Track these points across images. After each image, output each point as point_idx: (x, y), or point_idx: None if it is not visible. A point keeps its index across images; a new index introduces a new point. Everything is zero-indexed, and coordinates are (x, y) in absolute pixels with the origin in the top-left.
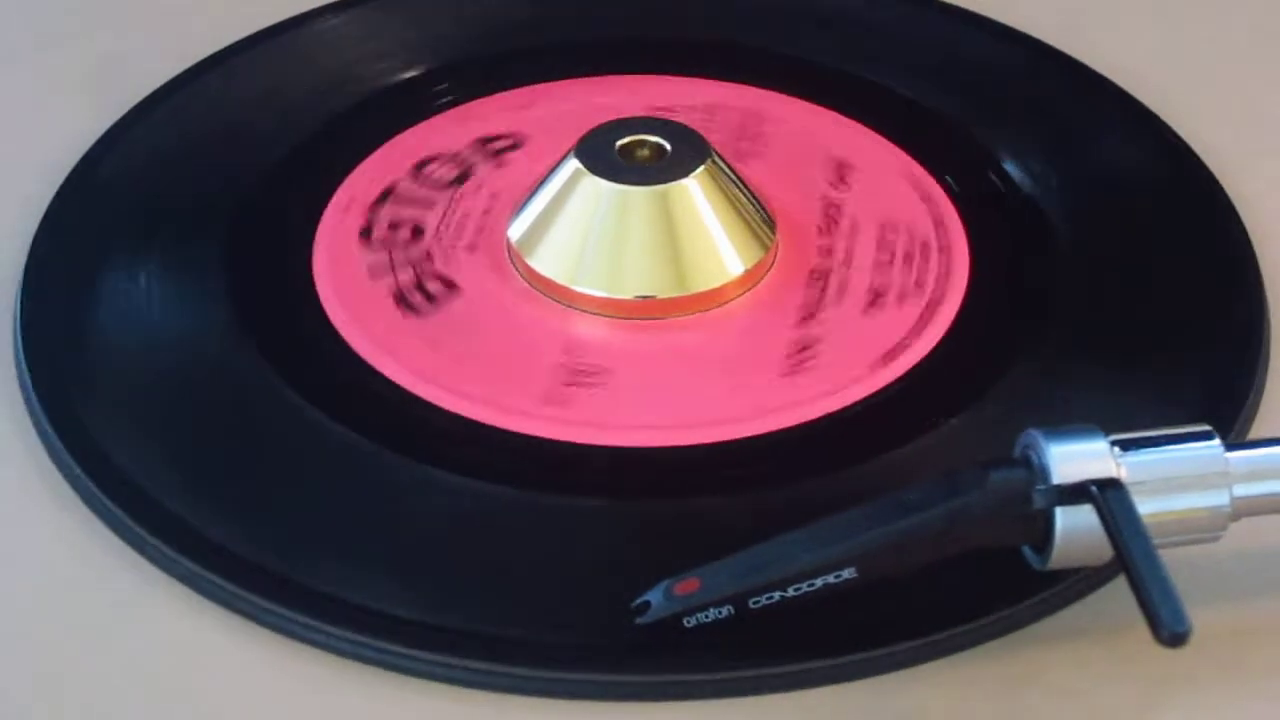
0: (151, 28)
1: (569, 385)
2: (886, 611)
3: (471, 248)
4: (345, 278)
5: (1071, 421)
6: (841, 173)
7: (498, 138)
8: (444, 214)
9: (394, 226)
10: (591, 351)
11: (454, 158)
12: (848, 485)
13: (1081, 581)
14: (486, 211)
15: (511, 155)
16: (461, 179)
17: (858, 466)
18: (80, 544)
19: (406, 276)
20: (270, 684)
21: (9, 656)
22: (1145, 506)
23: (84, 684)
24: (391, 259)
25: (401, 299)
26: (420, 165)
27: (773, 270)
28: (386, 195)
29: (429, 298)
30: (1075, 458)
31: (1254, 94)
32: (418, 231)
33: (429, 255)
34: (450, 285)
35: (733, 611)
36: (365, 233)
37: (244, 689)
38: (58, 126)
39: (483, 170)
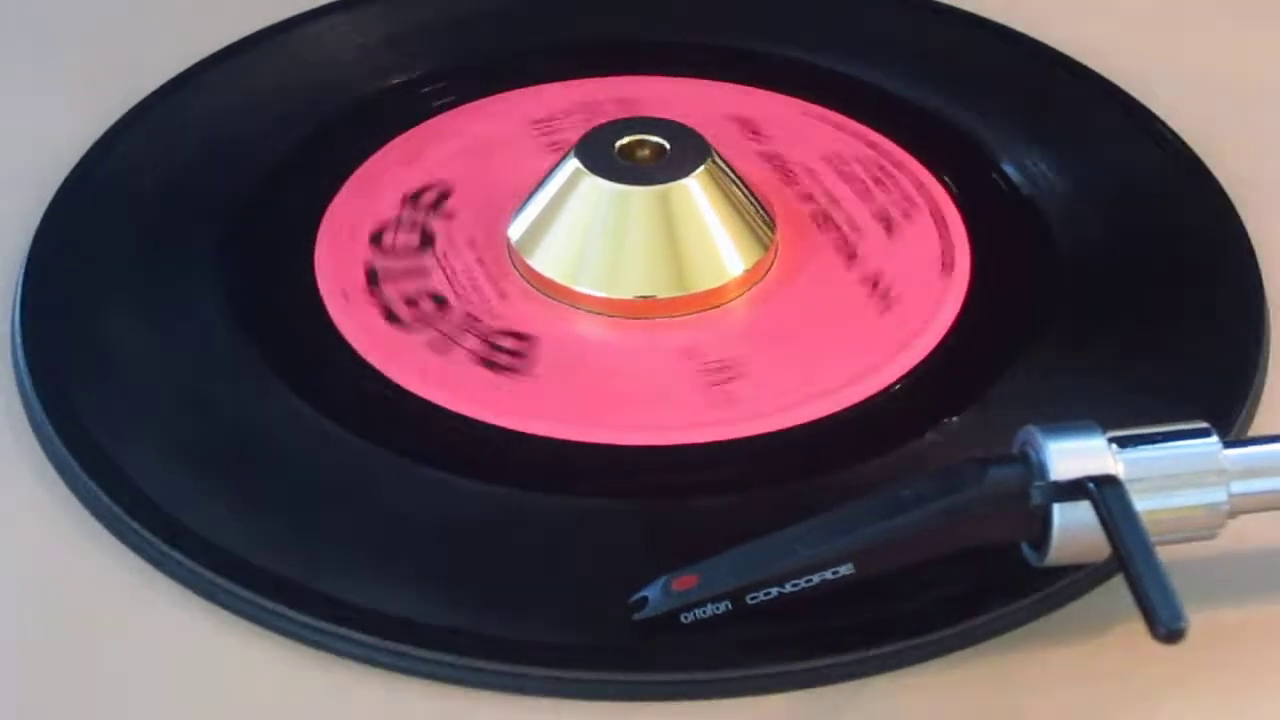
0: (151, 28)
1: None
2: (883, 611)
3: (503, 295)
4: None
5: (1071, 421)
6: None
7: (422, 191)
8: (448, 277)
9: (412, 303)
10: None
11: (399, 223)
12: (848, 484)
13: (1079, 580)
14: (480, 260)
15: (448, 205)
16: (426, 242)
17: (859, 465)
18: (79, 544)
19: (474, 343)
20: (269, 684)
21: (7, 657)
22: (1143, 503)
23: (82, 684)
24: (443, 332)
25: (486, 362)
26: (375, 238)
27: (773, 270)
28: (374, 277)
29: (513, 354)
30: (1073, 454)
31: (1255, 93)
32: (440, 300)
33: (474, 317)
34: (523, 337)
35: (730, 607)
36: (391, 318)
37: (243, 690)
38: (58, 127)
39: (436, 226)
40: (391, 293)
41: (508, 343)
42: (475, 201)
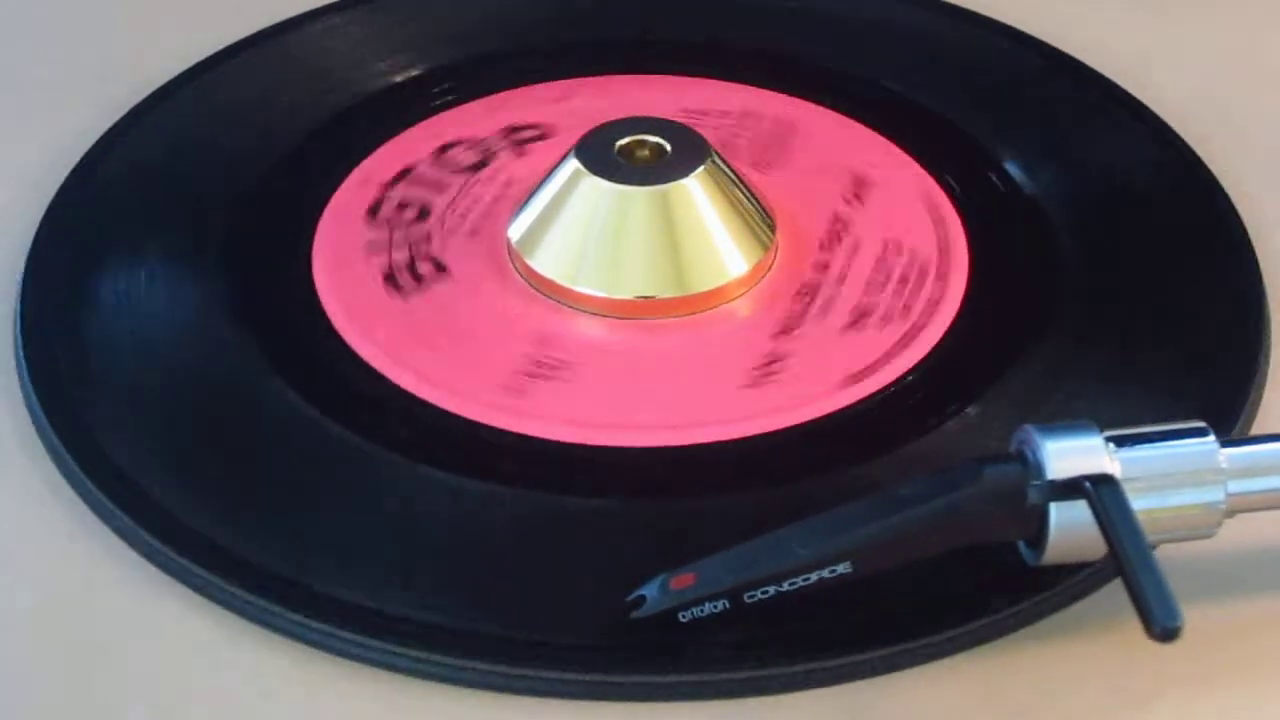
0: (151, 28)
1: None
2: (883, 611)
3: (473, 233)
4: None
5: (1069, 420)
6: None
7: (526, 127)
8: (454, 198)
9: (402, 206)
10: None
11: (479, 144)
12: (847, 485)
13: (1079, 581)
14: (497, 199)
15: (536, 146)
16: (480, 165)
17: (857, 466)
18: (79, 544)
19: (401, 256)
20: (269, 685)
21: (8, 657)
22: (1139, 502)
23: (82, 685)
24: (391, 238)
25: (390, 278)
26: (444, 149)
27: (773, 270)
28: (403, 175)
29: (416, 278)
30: (1070, 453)
31: (1254, 93)
32: (424, 213)
33: (428, 237)
34: (441, 268)
35: (728, 606)
36: (373, 210)
37: (243, 690)
38: (58, 126)
39: (504, 158)
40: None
41: (424, 267)
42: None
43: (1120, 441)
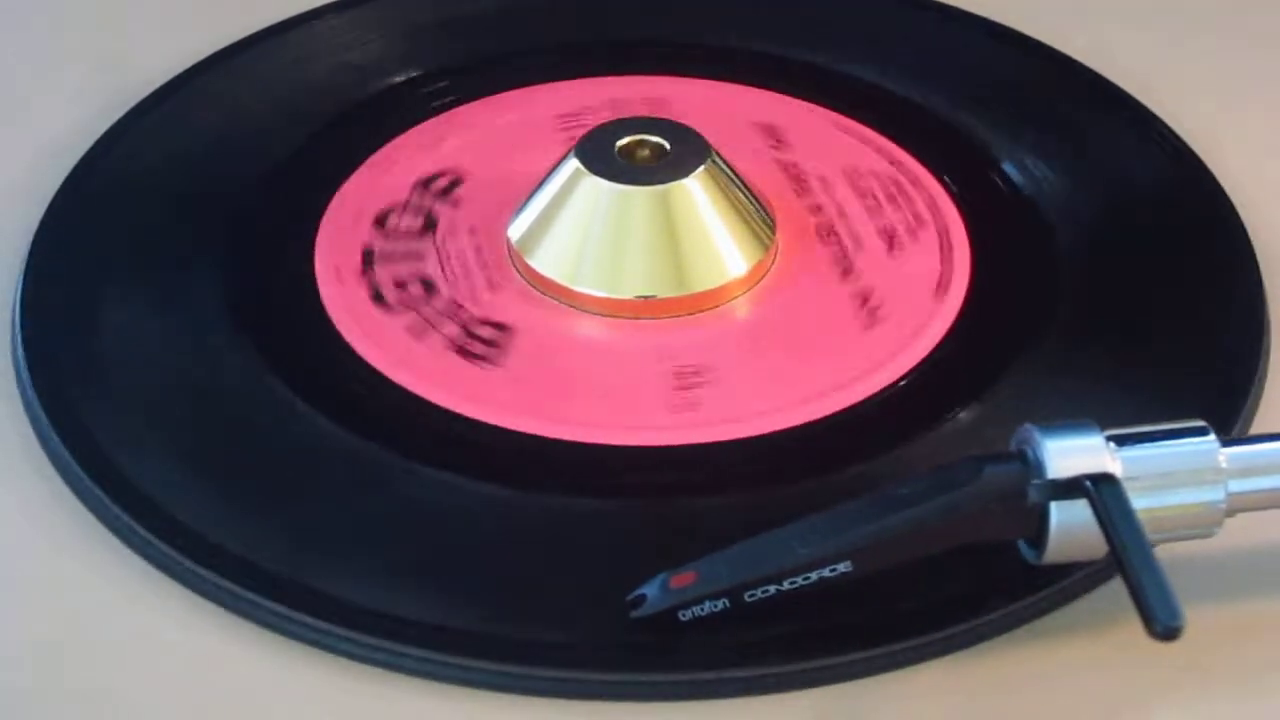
0: (152, 28)
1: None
2: (882, 610)
3: (492, 286)
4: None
5: (1069, 419)
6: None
7: (435, 176)
8: (440, 262)
9: (401, 285)
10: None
11: (407, 206)
12: (848, 485)
13: (1079, 580)
14: (478, 249)
15: (458, 193)
16: (430, 225)
17: (858, 466)
18: (79, 544)
19: (453, 330)
20: (270, 685)
21: (8, 657)
22: (1140, 502)
23: (83, 685)
24: (423, 316)
25: (462, 351)
26: (380, 220)
27: (773, 270)
28: (370, 258)
29: (489, 344)
30: (1070, 452)
31: (1254, 93)
32: (429, 285)
33: (458, 304)
34: (501, 328)
35: (728, 605)
36: (378, 298)
37: (244, 690)
38: (58, 127)
39: (442, 211)
40: (384, 278)
41: (485, 332)
42: (485, 191)
43: (1121, 440)
